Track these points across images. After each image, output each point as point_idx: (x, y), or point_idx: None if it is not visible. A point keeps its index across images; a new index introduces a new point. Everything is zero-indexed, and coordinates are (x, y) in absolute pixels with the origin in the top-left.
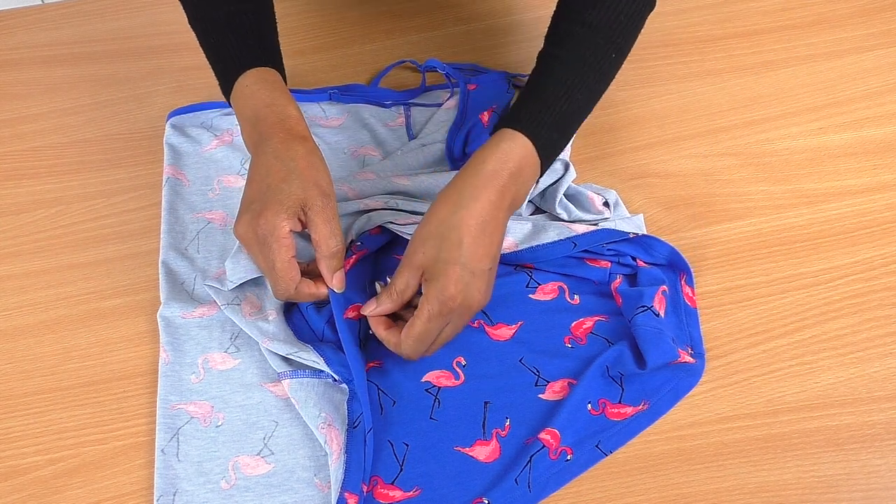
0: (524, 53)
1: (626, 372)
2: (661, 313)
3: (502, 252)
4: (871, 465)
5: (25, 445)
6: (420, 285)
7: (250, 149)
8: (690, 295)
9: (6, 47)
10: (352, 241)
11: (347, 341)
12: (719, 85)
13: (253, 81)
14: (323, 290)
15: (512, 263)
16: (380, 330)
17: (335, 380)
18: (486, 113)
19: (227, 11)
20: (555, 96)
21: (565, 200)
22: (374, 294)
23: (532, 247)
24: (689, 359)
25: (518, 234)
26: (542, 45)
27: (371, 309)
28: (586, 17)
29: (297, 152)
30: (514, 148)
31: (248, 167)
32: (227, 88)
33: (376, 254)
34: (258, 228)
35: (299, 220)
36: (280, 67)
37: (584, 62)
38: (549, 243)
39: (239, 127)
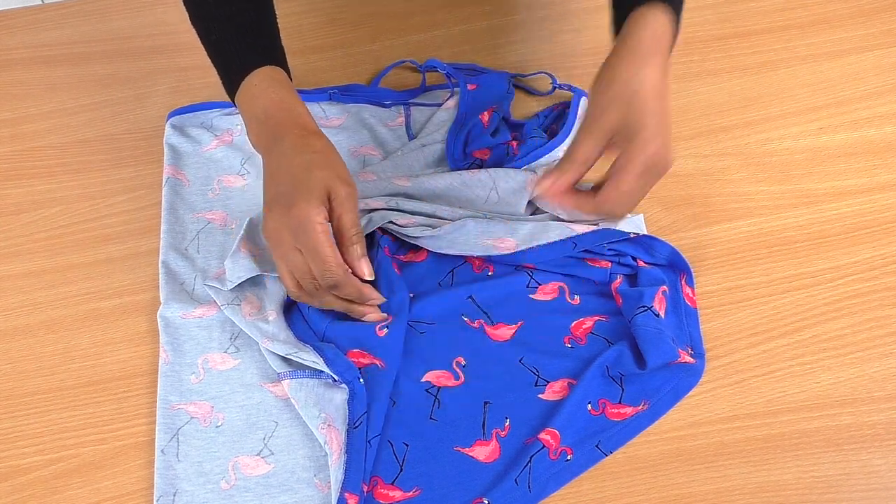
0: (524, 53)
1: (626, 372)
2: (661, 313)
3: (502, 253)
4: (871, 465)
5: (25, 445)
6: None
7: (260, 147)
8: (690, 295)
9: (6, 47)
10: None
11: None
12: (719, 85)
13: (261, 80)
14: (367, 293)
15: (513, 264)
16: (566, 200)
17: (335, 380)
18: (486, 113)
19: (230, 10)
20: None
21: None
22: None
23: (532, 247)
24: (689, 359)
25: (518, 234)
26: (541, 46)
27: (552, 180)
28: None
29: (316, 146)
30: (663, 15)
31: (248, 167)
32: (231, 87)
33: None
34: (291, 220)
35: (325, 209)
36: (285, 66)
37: None
38: (549, 243)
39: (242, 126)
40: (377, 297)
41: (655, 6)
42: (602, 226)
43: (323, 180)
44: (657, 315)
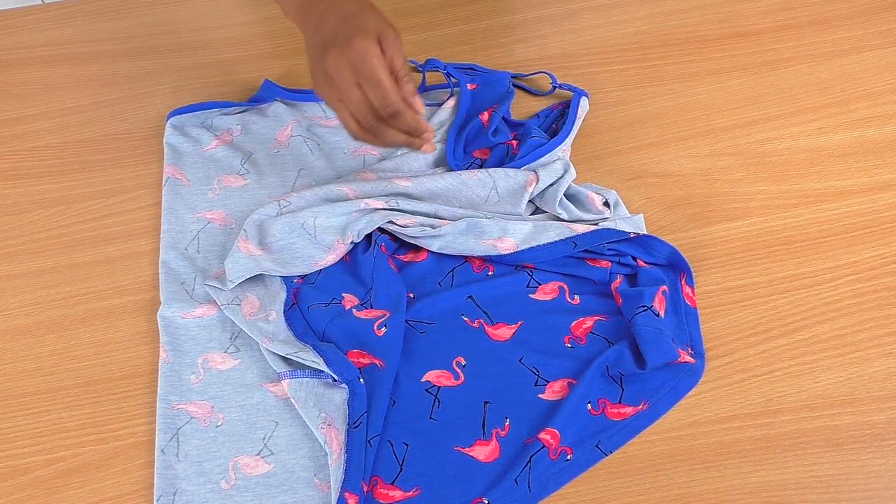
0: (524, 53)
1: (626, 372)
2: (661, 313)
3: (502, 254)
4: (871, 465)
5: (25, 445)
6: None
7: (301, 11)
8: (690, 295)
9: (6, 47)
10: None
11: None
12: (719, 85)
13: None
14: (423, 123)
15: (513, 264)
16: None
17: (335, 380)
18: (486, 113)
19: None
20: None
21: (565, 200)
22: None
23: (533, 247)
24: (689, 359)
25: (518, 234)
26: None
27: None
28: None
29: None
30: None
31: (248, 167)
32: None
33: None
34: (351, 54)
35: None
36: None
37: None
38: (549, 243)
39: (242, 126)
40: (431, 129)
41: None
42: (602, 226)
43: (375, 22)
44: (657, 315)
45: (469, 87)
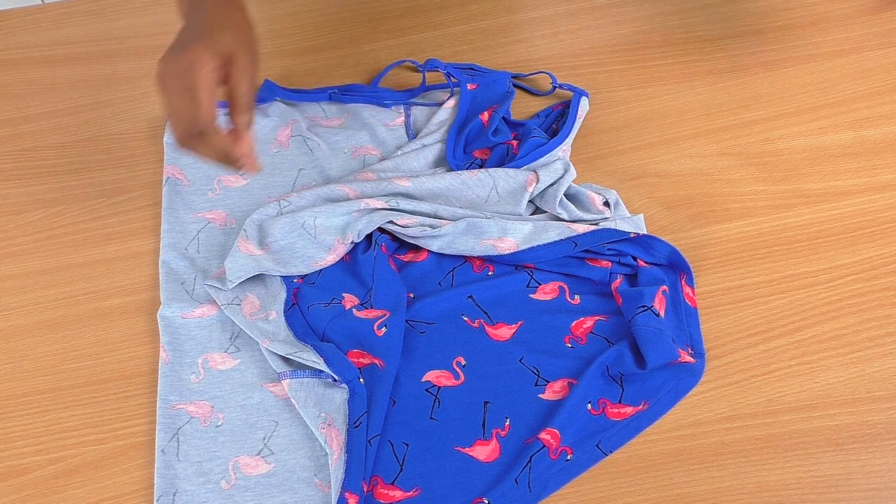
0: (524, 53)
1: (626, 372)
2: (662, 313)
3: (502, 254)
4: (871, 465)
5: (25, 445)
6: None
7: (184, 15)
8: (691, 295)
9: (6, 47)
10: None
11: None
12: (719, 85)
13: None
14: (236, 150)
15: (513, 264)
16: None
17: (335, 380)
18: (486, 112)
19: None
20: None
21: (565, 200)
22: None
23: (533, 247)
24: (689, 358)
25: (518, 234)
26: (541, 46)
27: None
28: None
29: (234, 14)
30: None
31: None
32: None
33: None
34: (180, 61)
35: (221, 71)
36: None
37: None
38: (549, 243)
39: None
40: (248, 157)
41: None
42: (602, 226)
43: (229, 40)
44: (657, 315)
45: (469, 87)
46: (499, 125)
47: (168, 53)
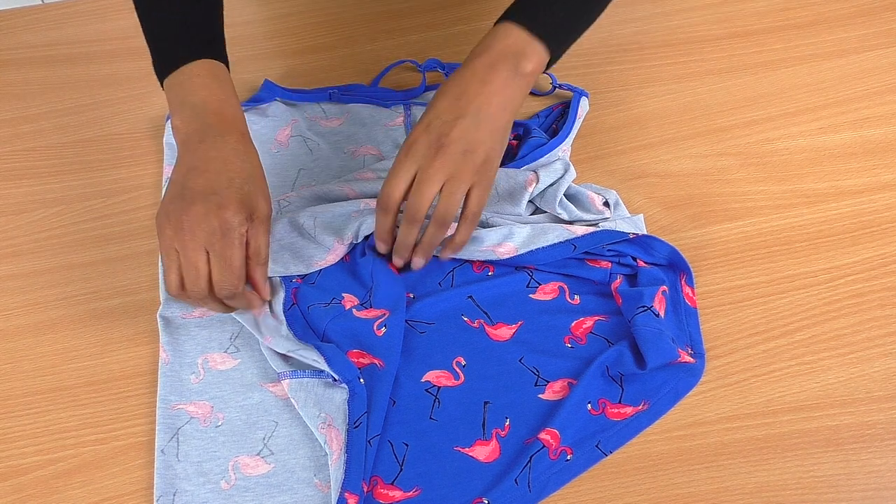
0: None
1: (625, 372)
2: (661, 313)
3: (503, 257)
4: (871, 465)
5: (25, 445)
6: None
7: (184, 133)
8: (690, 295)
9: (6, 47)
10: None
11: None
12: (719, 85)
13: (203, 73)
14: (256, 301)
15: (513, 265)
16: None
17: (335, 379)
18: None
19: None
20: None
21: (565, 200)
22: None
23: (532, 250)
24: (689, 359)
25: (517, 238)
26: None
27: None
28: None
29: (255, 157)
30: (507, 35)
31: None
32: (165, 68)
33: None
34: (216, 221)
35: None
36: (226, 59)
37: None
38: (548, 246)
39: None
40: (259, 306)
41: (498, 27)
42: (602, 227)
43: (255, 195)
44: (657, 315)
45: None
46: None
47: (196, 204)
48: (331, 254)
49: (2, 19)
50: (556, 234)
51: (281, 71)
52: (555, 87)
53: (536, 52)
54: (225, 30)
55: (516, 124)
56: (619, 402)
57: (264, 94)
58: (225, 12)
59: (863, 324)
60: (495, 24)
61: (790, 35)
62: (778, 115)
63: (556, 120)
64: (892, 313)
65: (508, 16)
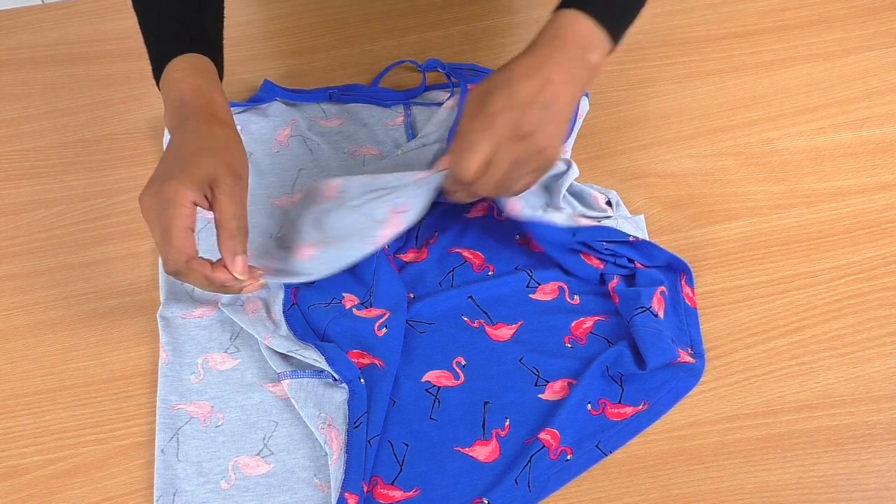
0: None
1: (625, 372)
2: (660, 314)
3: (509, 212)
4: (871, 465)
5: (25, 445)
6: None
7: (170, 127)
8: (690, 295)
9: (6, 47)
10: None
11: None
12: (719, 85)
13: (183, 66)
14: (219, 276)
15: (515, 233)
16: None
17: (335, 379)
18: None
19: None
20: None
21: (569, 196)
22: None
23: (534, 219)
24: (688, 359)
25: (529, 203)
26: None
27: (444, 163)
28: None
29: (216, 132)
30: (572, 24)
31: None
32: (158, 72)
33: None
34: (160, 195)
35: (205, 196)
36: (216, 57)
37: None
38: (550, 224)
39: (242, 126)
40: (239, 282)
41: (559, 12)
42: (604, 223)
43: (209, 166)
44: (656, 315)
45: (470, 87)
46: None
47: (148, 187)
48: (387, 227)
49: (2, 19)
50: (563, 218)
51: (281, 71)
52: None
53: (602, 43)
54: (225, 30)
55: None
56: (619, 402)
57: (264, 94)
58: (225, 12)
59: (863, 324)
60: (558, 8)
61: (790, 35)
62: (778, 115)
63: None
64: (892, 313)
65: (570, 2)
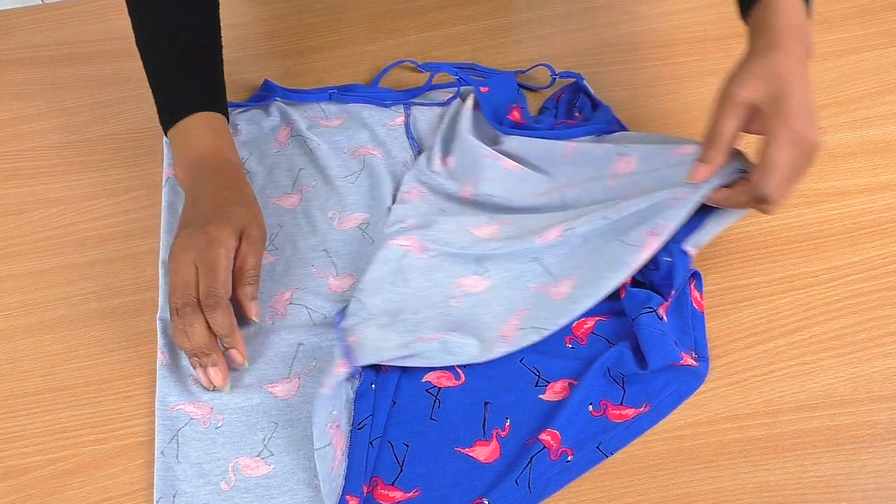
0: (524, 53)
1: (627, 372)
2: (664, 317)
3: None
4: (871, 465)
5: (25, 445)
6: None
7: (187, 181)
8: (698, 299)
9: (6, 47)
10: None
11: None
12: (719, 85)
13: (200, 125)
14: (256, 315)
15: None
16: (719, 196)
17: (353, 375)
18: (515, 111)
19: (180, 43)
20: None
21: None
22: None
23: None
24: (692, 362)
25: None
26: (541, 46)
27: (703, 171)
28: None
29: (244, 189)
30: (793, 5)
31: (248, 167)
32: (169, 119)
33: None
34: (202, 237)
35: (237, 240)
36: (225, 110)
37: None
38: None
39: (242, 126)
40: (240, 351)
41: None
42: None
43: (244, 217)
44: (660, 318)
45: (482, 90)
46: (531, 120)
47: (186, 228)
48: (486, 227)
49: (2, 19)
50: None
51: (281, 71)
52: (554, 79)
53: (808, 17)
54: (225, 30)
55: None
56: (621, 404)
57: (264, 94)
58: (225, 12)
59: (863, 324)
60: None
61: None
62: None
63: (569, 109)
64: (892, 313)
65: None
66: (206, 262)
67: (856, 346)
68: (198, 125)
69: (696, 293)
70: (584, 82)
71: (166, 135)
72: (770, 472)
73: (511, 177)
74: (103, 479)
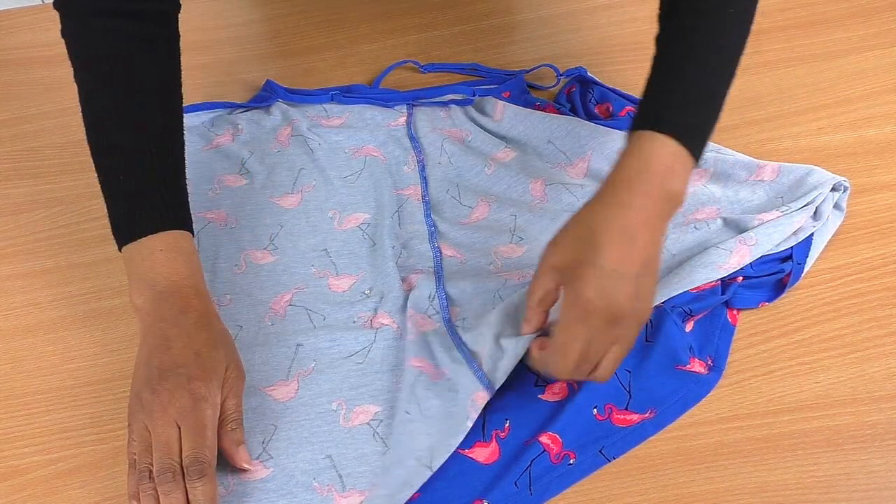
0: (524, 53)
1: (630, 367)
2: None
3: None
4: (871, 465)
5: (25, 445)
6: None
7: (151, 312)
8: (735, 313)
9: (6, 47)
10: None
11: None
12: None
13: (168, 247)
14: (248, 462)
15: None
16: (534, 351)
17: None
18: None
19: (140, 152)
20: (687, 80)
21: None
22: None
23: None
24: (699, 368)
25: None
26: (541, 46)
27: (525, 329)
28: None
29: (217, 326)
30: (655, 148)
31: (248, 167)
32: (126, 235)
33: None
34: (194, 390)
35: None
36: (191, 225)
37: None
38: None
39: (243, 126)
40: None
41: (654, 136)
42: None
43: (223, 361)
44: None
45: (504, 94)
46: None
47: (166, 379)
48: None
49: (2, 19)
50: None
51: (281, 71)
52: (559, 78)
53: (688, 168)
54: (225, 30)
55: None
56: (626, 409)
57: (265, 94)
58: (226, 12)
59: (863, 324)
60: (635, 129)
61: (790, 35)
62: (778, 115)
63: (584, 101)
64: (892, 313)
65: (650, 122)
66: (192, 424)
67: (856, 346)
68: (165, 246)
69: (734, 310)
70: (589, 74)
71: (121, 250)
72: (770, 472)
73: None
74: (103, 479)
